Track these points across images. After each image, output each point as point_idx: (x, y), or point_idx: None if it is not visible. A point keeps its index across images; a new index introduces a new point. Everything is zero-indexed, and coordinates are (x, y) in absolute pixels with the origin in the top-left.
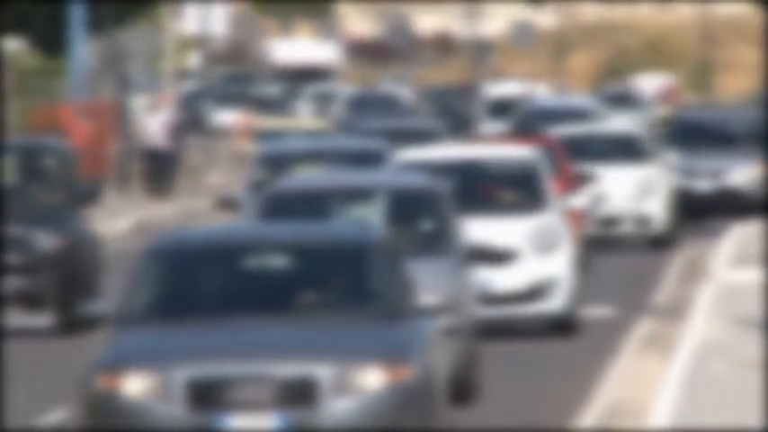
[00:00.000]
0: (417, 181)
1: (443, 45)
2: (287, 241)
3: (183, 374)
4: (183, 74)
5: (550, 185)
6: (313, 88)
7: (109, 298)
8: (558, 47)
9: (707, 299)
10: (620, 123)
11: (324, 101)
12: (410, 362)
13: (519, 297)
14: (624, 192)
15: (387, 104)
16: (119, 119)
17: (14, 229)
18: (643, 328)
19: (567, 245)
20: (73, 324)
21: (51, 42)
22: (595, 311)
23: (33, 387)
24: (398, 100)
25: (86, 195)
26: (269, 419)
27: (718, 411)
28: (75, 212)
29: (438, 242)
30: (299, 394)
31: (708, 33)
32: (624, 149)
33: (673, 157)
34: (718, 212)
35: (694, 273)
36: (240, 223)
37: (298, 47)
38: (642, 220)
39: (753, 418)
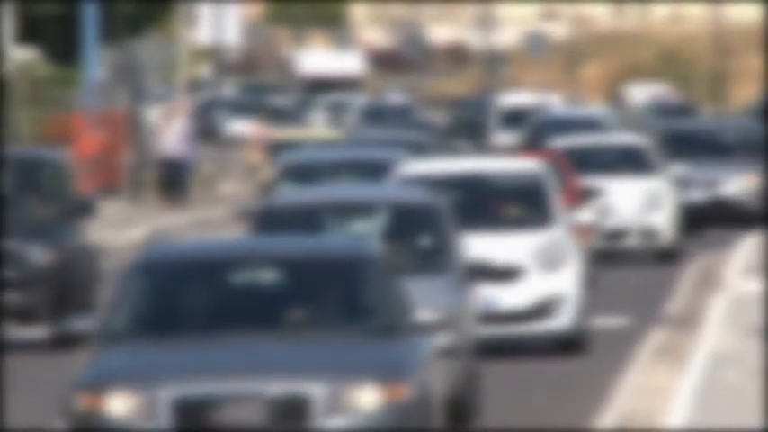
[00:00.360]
0: (415, 196)
1: (457, 55)
2: (277, 255)
3: (169, 393)
4: (196, 84)
5: (557, 200)
6: (327, 98)
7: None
8: (570, 57)
9: (719, 309)
10: (627, 135)
11: (338, 111)
12: (407, 380)
13: (524, 315)
14: (630, 204)
15: (400, 115)
16: (131, 129)
17: (8, 243)
18: (656, 338)
19: (574, 261)
20: (66, 338)
21: (64, 52)
22: (608, 322)
23: (33, 400)
24: (411, 110)
25: (82, 208)
26: None
27: (732, 421)
28: (71, 225)
29: (437, 259)
30: (291, 414)
31: (720, 43)
32: (630, 161)
33: (679, 168)
34: (712, 223)
35: (706, 283)
36: (229, 236)
37: (322, 57)
38: (649, 233)
39: (765, 426)
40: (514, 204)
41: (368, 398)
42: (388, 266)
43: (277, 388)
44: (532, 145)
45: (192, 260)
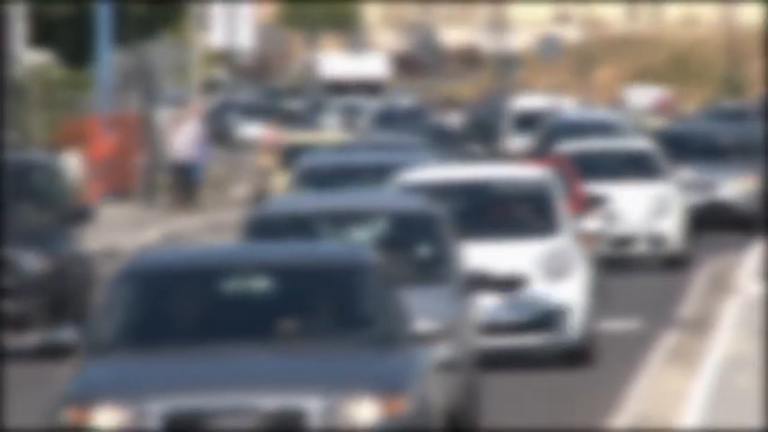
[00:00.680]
0: (413, 204)
1: (469, 58)
2: (270, 262)
3: (159, 407)
4: (212, 86)
5: (563, 207)
6: (340, 101)
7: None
8: (583, 60)
9: (731, 312)
10: (634, 139)
11: (351, 114)
12: (406, 392)
13: (528, 326)
14: (638, 210)
15: (412, 118)
16: (144, 131)
17: (2, 251)
18: (668, 341)
19: (580, 270)
20: (54, 348)
21: (77, 55)
22: (620, 326)
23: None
24: (423, 114)
25: (78, 215)
26: None
27: (744, 423)
28: (66, 232)
29: (435, 269)
30: (286, 428)
31: (732, 47)
32: (637, 166)
33: (688, 173)
34: (709, 226)
35: (718, 286)
36: (220, 243)
37: (345, 60)
38: (657, 240)
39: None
40: (519, 212)
41: (365, 412)
42: (386, 274)
43: (271, 401)
44: (544, 150)
45: (181, 268)
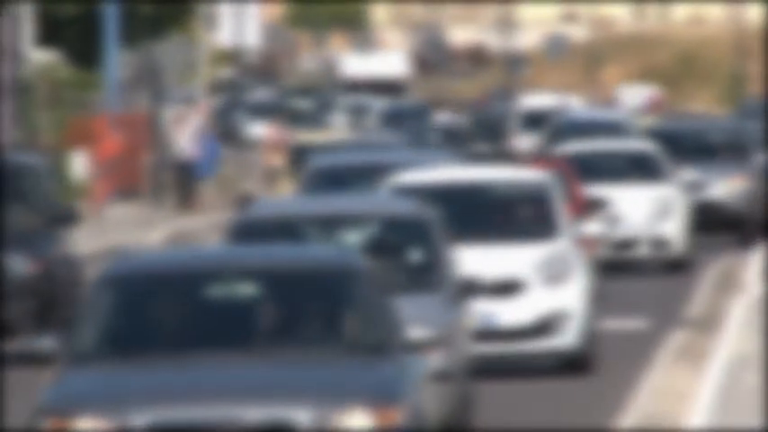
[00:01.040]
0: (404, 207)
1: (477, 57)
2: (256, 267)
3: (143, 419)
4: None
5: (562, 210)
6: (347, 100)
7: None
8: (590, 59)
9: (739, 311)
10: (635, 140)
11: (358, 113)
12: (399, 404)
13: (526, 332)
14: (640, 213)
15: (419, 117)
16: (152, 131)
17: None
18: (676, 340)
19: (579, 275)
20: (32, 356)
21: (85, 54)
22: (628, 324)
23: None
24: (428, 113)
25: (65, 217)
26: None
27: (751, 423)
28: (54, 234)
29: (428, 275)
30: None
31: (739, 46)
32: (639, 168)
33: (691, 174)
34: (698, 227)
35: (726, 286)
36: (204, 247)
37: (367, 59)
38: (659, 243)
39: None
40: (517, 215)
41: (357, 423)
42: (377, 279)
43: (258, 414)
44: (551, 149)
45: (164, 273)
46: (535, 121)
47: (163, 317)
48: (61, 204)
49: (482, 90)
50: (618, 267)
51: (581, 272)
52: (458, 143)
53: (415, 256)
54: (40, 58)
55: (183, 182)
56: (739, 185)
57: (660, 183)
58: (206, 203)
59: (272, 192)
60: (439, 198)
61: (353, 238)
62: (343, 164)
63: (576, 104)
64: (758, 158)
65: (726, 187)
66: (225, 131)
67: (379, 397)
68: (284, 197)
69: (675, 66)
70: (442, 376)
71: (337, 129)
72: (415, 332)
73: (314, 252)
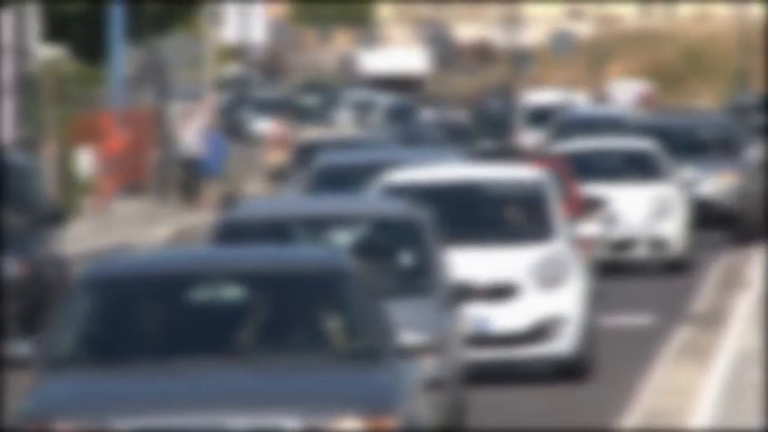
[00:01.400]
0: (394, 208)
1: (482, 53)
2: (242, 269)
3: (125, 426)
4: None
5: (559, 211)
6: (353, 96)
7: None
8: (596, 56)
9: (743, 308)
10: (633, 139)
11: (363, 109)
12: (393, 411)
13: (521, 338)
14: (638, 212)
15: (406, 114)
16: (158, 127)
17: None
18: (681, 337)
19: (576, 277)
20: (7, 362)
21: (91, 50)
22: (633, 320)
23: None
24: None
25: (52, 217)
26: None
27: (757, 420)
28: (41, 235)
29: (419, 278)
30: None
31: (745, 42)
32: (637, 166)
33: (691, 173)
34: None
35: (732, 282)
36: (188, 248)
37: (387, 56)
38: (658, 243)
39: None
40: (511, 216)
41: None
42: (367, 281)
43: (245, 421)
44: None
45: (145, 275)
46: (540, 117)
47: (144, 321)
48: (49, 204)
49: (481, 87)
50: (615, 269)
51: (578, 274)
52: (461, 140)
53: (406, 258)
54: (46, 53)
55: (189, 178)
56: (730, 182)
57: (659, 182)
58: (212, 200)
59: (275, 190)
60: (430, 198)
61: (342, 239)
62: (348, 163)
63: (581, 101)
64: (750, 154)
65: (716, 184)
66: (230, 128)
67: (371, 404)
68: (277, 196)
69: (681, 63)
70: (436, 383)
71: (342, 125)
72: (409, 338)
73: (302, 253)
